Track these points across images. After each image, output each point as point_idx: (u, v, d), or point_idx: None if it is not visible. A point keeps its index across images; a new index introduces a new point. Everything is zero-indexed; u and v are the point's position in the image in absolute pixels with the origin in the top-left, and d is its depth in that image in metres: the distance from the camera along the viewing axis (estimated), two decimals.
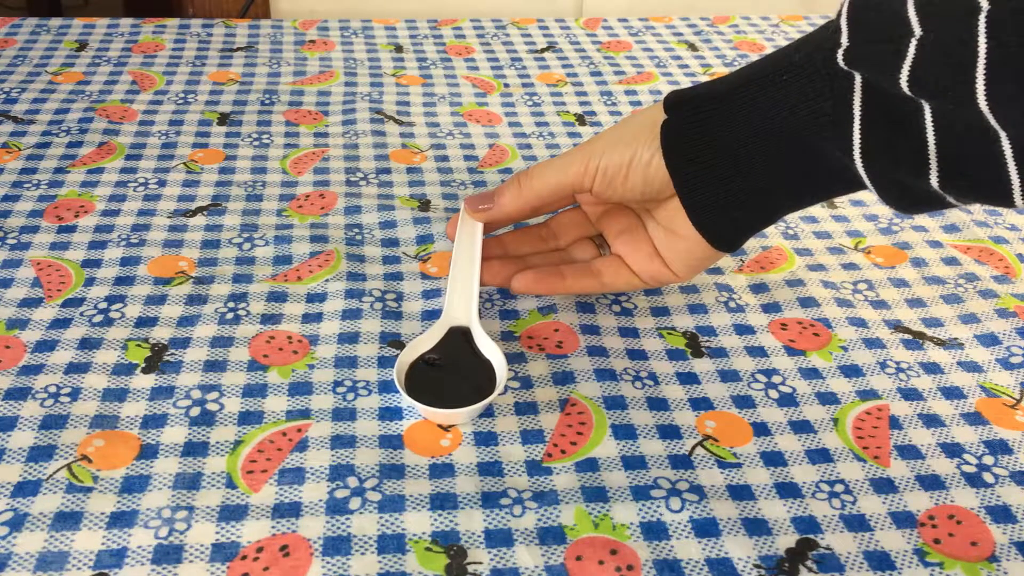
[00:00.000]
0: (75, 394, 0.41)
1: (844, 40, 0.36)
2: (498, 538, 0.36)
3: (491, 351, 0.43)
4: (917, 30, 0.33)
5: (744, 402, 0.43)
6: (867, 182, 0.37)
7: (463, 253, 0.46)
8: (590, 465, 0.39)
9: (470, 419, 0.41)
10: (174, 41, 0.78)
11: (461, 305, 0.45)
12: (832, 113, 0.37)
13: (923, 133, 0.35)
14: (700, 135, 0.41)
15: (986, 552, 0.36)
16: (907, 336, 0.47)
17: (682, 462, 0.39)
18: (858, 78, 0.36)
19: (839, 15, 0.37)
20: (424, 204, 0.56)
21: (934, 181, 0.35)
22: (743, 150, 0.40)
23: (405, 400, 0.41)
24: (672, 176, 0.42)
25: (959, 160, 0.35)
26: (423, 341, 0.43)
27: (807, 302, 0.49)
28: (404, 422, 0.41)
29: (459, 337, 0.44)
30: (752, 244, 0.54)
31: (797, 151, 0.39)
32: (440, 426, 0.41)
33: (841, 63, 0.36)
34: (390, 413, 0.41)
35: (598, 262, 0.47)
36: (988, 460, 0.40)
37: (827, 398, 0.43)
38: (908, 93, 0.34)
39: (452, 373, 0.42)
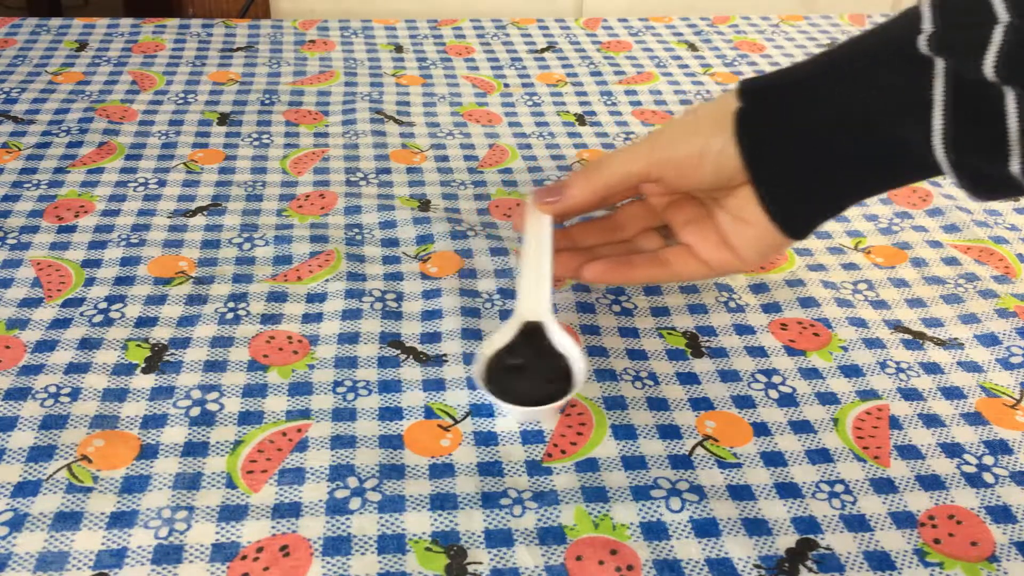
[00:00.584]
0: (75, 394, 0.41)
1: (927, 26, 0.36)
2: (498, 538, 0.36)
3: (566, 345, 0.42)
4: (1004, 16, 0.34)
5: (744, 402, 0.43)
6: (946, 169, 0.37)
7: (532, 247, 0.45)
8: (590, 465, 0.39)
9: (554, 415, 0.41)
10: (174, 41, 0.78)
11: (534, 299, 0.44)
12: (913, 99, 0.37)
13: (1005, 119, 0.35)
14: (775, 123, 0.41)
15: (986, 552, 0.36)
16: (907, 336, 0.47)
17: (682, 462, 0.39)
18: (940, 64, 0.36)
19: (920, 1, 0.37)
20: (424, 204, 0.56)
21: (1015, 167, 0.35)
22: (819, 137, 0.40)
23: (488, 398, 0.41)
24: (747, 164, 0.42)
25: None
26: (498, 337, 0.43)
27: (807, 302, 0.49)
28: (404, 422, 0.41)
29: (533, 332, 0.43)
30: None
31: (875, 138, 0.39)
32: (440, 426, 0.41)
33: (924, 49, 0.36)
34: (390, 413, 0.41)
35: (666, 252, 0.47)
36: (988, 460, 0.40)
37: (827, 398, 0.43)
38: (992, 79, 0.34)
39: (529, 370, 0.42)
